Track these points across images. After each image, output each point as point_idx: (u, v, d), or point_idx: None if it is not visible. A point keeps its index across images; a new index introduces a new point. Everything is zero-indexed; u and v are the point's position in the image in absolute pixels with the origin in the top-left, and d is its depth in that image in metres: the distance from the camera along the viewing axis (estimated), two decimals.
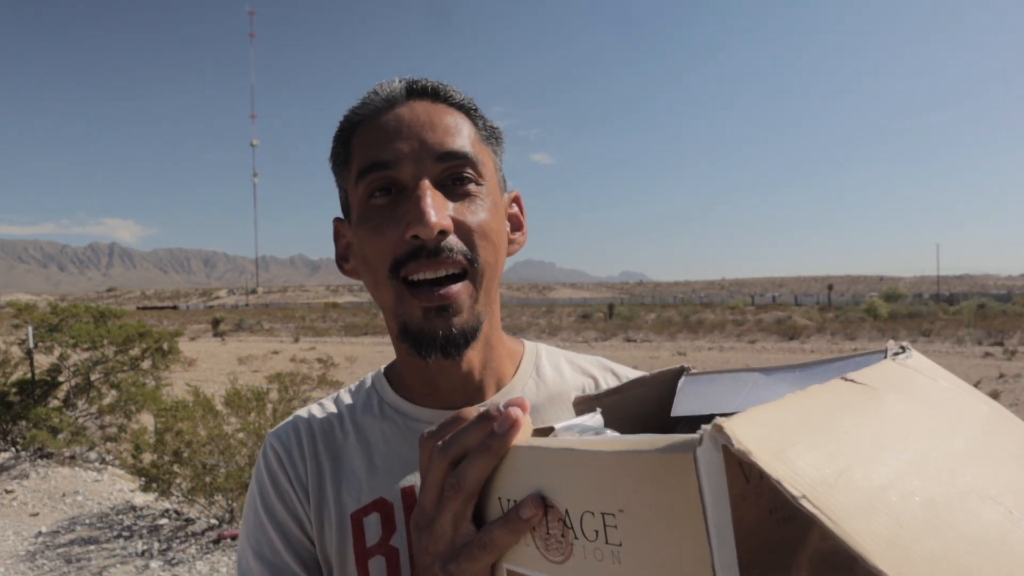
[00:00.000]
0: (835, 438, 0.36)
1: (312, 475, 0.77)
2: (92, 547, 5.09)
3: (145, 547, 5.03)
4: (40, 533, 5.43)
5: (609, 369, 0.86)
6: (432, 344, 0.68)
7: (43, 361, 8.51)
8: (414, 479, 0.74)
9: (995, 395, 10.23)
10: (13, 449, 8.03)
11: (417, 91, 0.73)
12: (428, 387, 0.77)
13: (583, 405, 0.64)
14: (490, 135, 0.76)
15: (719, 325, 32.50)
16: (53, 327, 8.35)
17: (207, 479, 5.20)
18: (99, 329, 8.23)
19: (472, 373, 0.76)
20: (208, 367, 20.30)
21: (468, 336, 0.69)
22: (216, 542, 5.06)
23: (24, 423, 7.84)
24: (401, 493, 0.74)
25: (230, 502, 5.28)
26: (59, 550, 5.05)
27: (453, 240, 0.67)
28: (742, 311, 45.29)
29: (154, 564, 4.72)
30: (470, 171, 0.70)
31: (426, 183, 0.68)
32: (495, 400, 0.74)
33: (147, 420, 8.02)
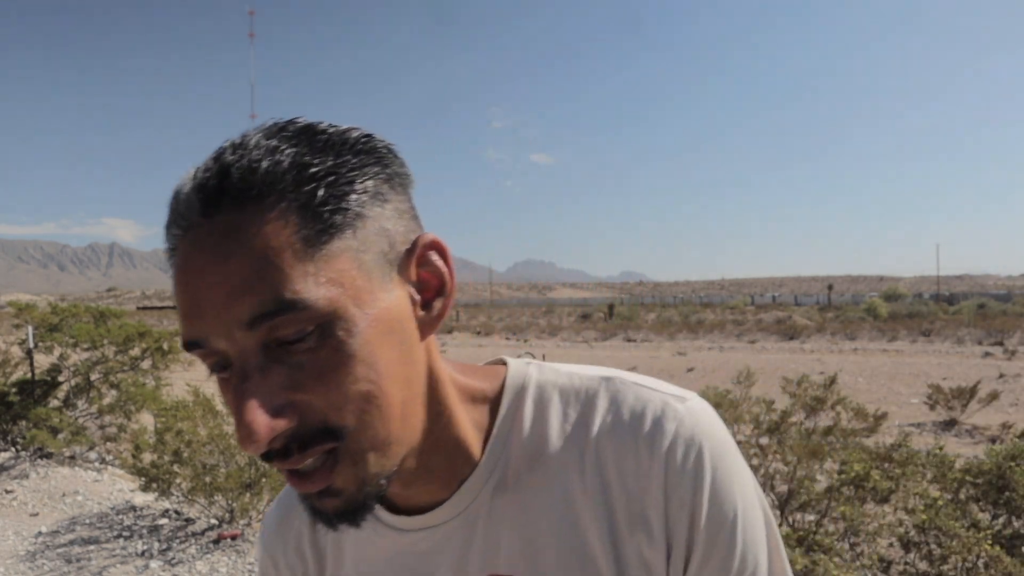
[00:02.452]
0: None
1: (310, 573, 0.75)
2: (92, 547, 5.10)
3: (145, 547, 5.04)
4: (40, 533, 5.45)
5: (616, 400, 0.64)
6: (328, 521, 0.56)
7: (43, 361, 8.52)
8: None
9: (995, 395, 10.23)
10: (13, 449, 8.03)
11: (212, 199, 0.50)
12: (395, 490, 0.64)
13: None
14: (341, 201, 0.51)
15: (719, 325, 32.51)
16: (53, 327, 8.37)
17: (207, 479, 5.21)
18: (99, 329, 8.24)
19: (421, 475, 0.62)
20: None
21: (368, 503, 0.56)
22: (216, 542, 5.07)
23: (24, 423, 7.85)
24: None
25: (230, 502, 5.29)
26: (59, 550, 5.06)
27: (302, 429, 0.51)
28: (742, 311, 45.30)
29: (154, 564, 4.73)
30: (300, 322, 0.49)
31: (245, 367, 0.50)
32: (458, 497, 0.64)
33: (147, 420, 8.03)
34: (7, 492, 6.53)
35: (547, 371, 0.68)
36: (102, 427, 8.38)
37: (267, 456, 0.52)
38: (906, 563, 3.29)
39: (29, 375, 8.29)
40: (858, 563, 3.24)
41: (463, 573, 0.64)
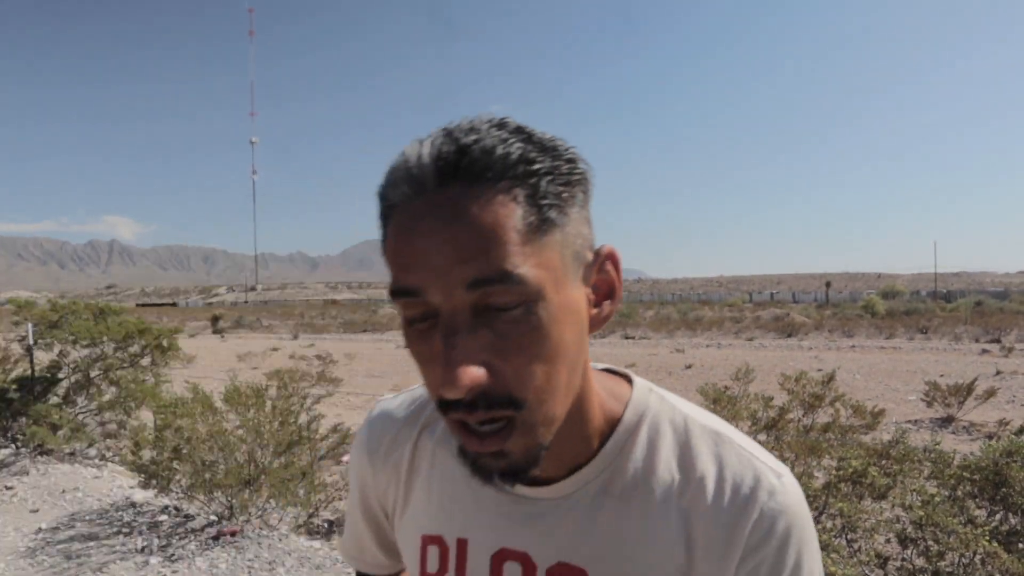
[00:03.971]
0: None
1: (396, 483, 0.82)
2: (92, 543, 5.11)
3: (145, 543, 5.05)
4: (40, 529, 5.45)
5: (720, 454, 0.69)
6: (488, 477, 0.62)
7: (43, 358, 8.52)
8: (468, 533, 0.74)
9: (992, 392, 10.25)
10: (13, 446, 8.04)
11: (449, 171, 0.57)
12: None
13: None
14: (558, 203, 0.59)
15: (717, 322, 32.53)
16: (53, 324, 8.36)
17: (207, 476, 5.21)
18: (99, 326, 8.24)
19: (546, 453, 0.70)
20: (207, 364, 20.30)
21: (527, 469, 0.61)
22: (216, 539, 5.08)
23: (24, 420, 7.85)
24: (456, 542, 0.75)
25: (229, 499, 5.30)
26: (59, 546, 5.07)
27: (491, 391, 0.57)
28: (740, 308, 45.32)
29: (154, 560, 4.74)
30: (512, 293, 0.56)
31: (455, 321, 0.57)
32: (563, 485, 0.70)
33: (147, 417, 8.03)
34: (7, 489, 6.54)
35: (666, 405, 0.74)
36: (102, 424, 8.38)
37: (453, 405, 0.58)
38: (903, 559, 3.30)
39: (29, 372, 8.28)
40: (855, 559, 3.26)
41: (539, 550, 0.70)
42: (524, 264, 0.56)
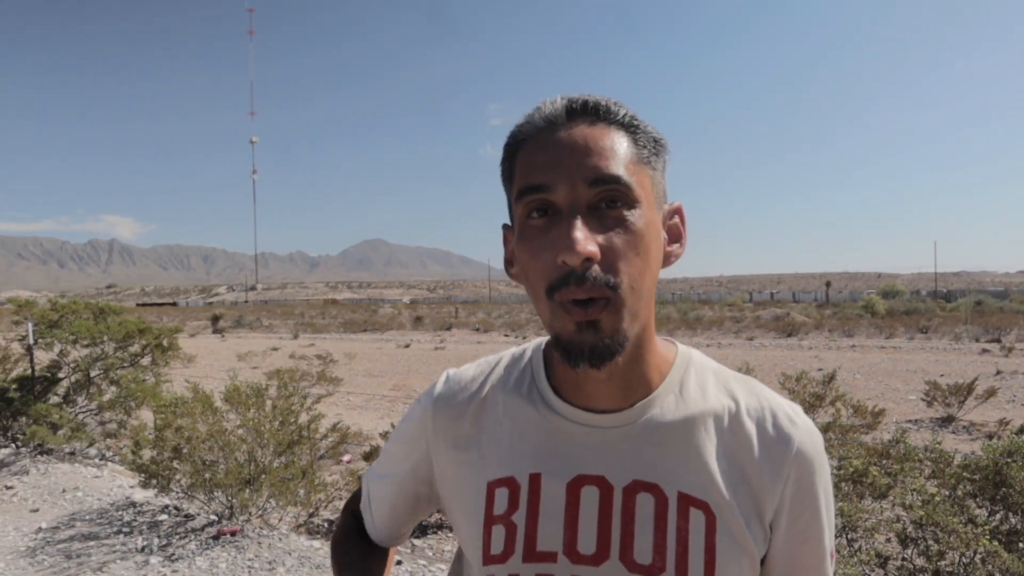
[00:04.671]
0: None
1: (465, 438, 0.88)
2: (92, 543, 5.11)
3: (145, 543, 5.05)
4: (40, 529, 5.45)
5: (755, 394, 0.85)
6: (580, 355, 0.72)
7: (43, 357, 8.52)
8: (541, 467, 0.81)
9: (992, 392, 10.25)
10: (13, 445, 8.04)
11: (577, 111, 0.75)
12: (575, 385, 0.83)
13: None
14: (651, 151, 0.77)
15: (717, 322, 32.52)
16: (53, 323, 8.36)
17: (207, 475, 5.21)
18: (99, 325, 8.23)
19: (615, 381, 0.80)
20: (208, 363, 20.31)
21: (614, 350, 0.73)
22: (216, 538, 5.08)
23: (24, 419, 7.85)
24: (529, 478, 0.81)
25: (230, 498, 5.29)
26: (59, 546, 5.07)
27: (597, 269, 0.70)
28: (740, 308, 45.32)
29: (154, 560, 4.74)
30: (622, 195, 0.72)
31: (577, 208, 0.72)
32: (632, 412, 0.81)
33: (147, 416, 8.04)
34: (7, 488, 6.54)
35: (705, 358, 0.89)
36: (102, 423, 8.39)
37: (564, 282, 0.71)
38: (904, 559, 3.30)
39: (29, 371, 8.29)
40: (856, 559, 3.26)
41: (614, 471, 0.80)
42: (631, 177, 0.74)
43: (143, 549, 4.95)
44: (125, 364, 8.39)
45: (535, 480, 0.81)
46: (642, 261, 0.73)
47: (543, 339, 0.92)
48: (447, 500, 0.90)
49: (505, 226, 0.85)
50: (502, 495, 0.82)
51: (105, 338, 8.21)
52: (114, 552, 4.91)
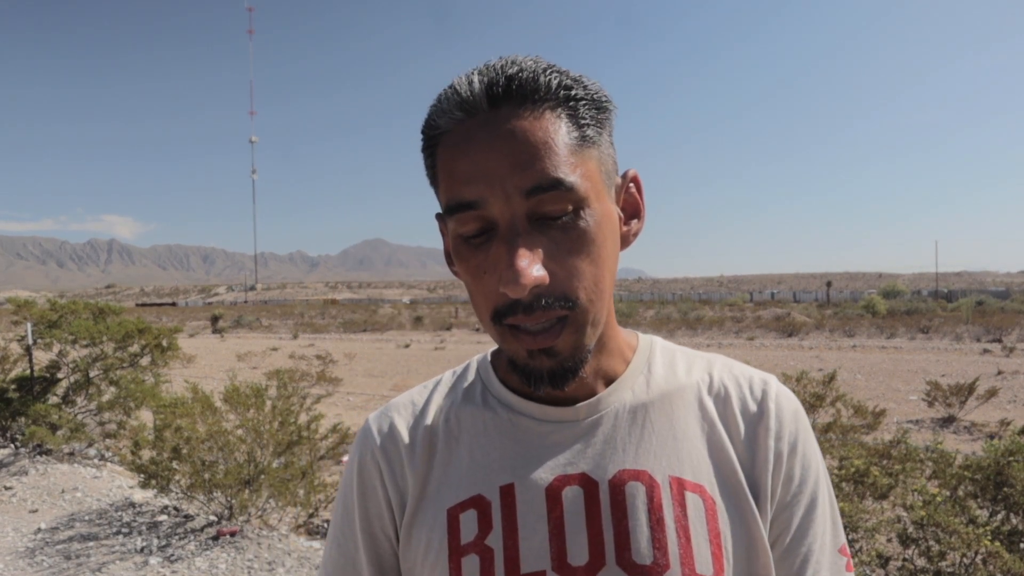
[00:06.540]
0: None
1: (412, 475, 0.77)
2: (91, 543, 5.10)
3: (144, 543, 5.04)
4: (39, 529, 5.45)
5: (726, 366, 0.80)
6: (540, 379, 0.67)
7: (42, 357, 8.51)
8: (513, 476, 0.73)
9: (993, 392, 10.24)
10: (12, 446, 8.04)
11: (499, 95, 0.63)
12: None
13: None
14: (594, 123, 0.66)
15: (718, 322, 32.53)
16: (52, 323, 8.35)
17: (206, 476, 5.20)
18: (98, 325, 8.22)
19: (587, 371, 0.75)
20: (207, 364, 20.31)
21: (576, 368, 0.67)
22: (215, 539, 5.07)
23: (23, 419, 7.85)
24: (500, 491, 0.72)
25: (229, 499, 5.29)
26: (58, 546, 5.06)
27: (548, 292, 0.63)
28: (741, 308, 45.31)
29: (153, 560, 4.73)
30: (566, 199, 0.63)
31: (516, 226, 0.62)
32: (603, 397, 0.74)
33: (146, 417, 8.03)
34: (6, 488, 6.53)
35: (668, 342, 0.84)
36: (101, 424, 8.37)
37: (511, 310, 0.64)
38: (905, 559, 3.29)
39: (28, 371, 8.28)
40: (856, 559, 3.25)
41: (596, 465, 0.73)
42: (572, 173, 0.63)
43: (142, 550, 4.95)
44: (124, 364, 8.38)
45: (508, 492, 0.72)
46: (598, 267, 0.66)
47: (485, 353, 0.85)
48: (410, 537, 0.76)
49: (438, 216, 0.74)
50: (469, 519, 0.72)
51: (104, 338, 8.20)
52: (113, 552, 4.90)
